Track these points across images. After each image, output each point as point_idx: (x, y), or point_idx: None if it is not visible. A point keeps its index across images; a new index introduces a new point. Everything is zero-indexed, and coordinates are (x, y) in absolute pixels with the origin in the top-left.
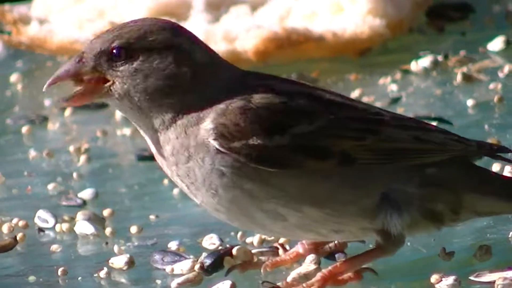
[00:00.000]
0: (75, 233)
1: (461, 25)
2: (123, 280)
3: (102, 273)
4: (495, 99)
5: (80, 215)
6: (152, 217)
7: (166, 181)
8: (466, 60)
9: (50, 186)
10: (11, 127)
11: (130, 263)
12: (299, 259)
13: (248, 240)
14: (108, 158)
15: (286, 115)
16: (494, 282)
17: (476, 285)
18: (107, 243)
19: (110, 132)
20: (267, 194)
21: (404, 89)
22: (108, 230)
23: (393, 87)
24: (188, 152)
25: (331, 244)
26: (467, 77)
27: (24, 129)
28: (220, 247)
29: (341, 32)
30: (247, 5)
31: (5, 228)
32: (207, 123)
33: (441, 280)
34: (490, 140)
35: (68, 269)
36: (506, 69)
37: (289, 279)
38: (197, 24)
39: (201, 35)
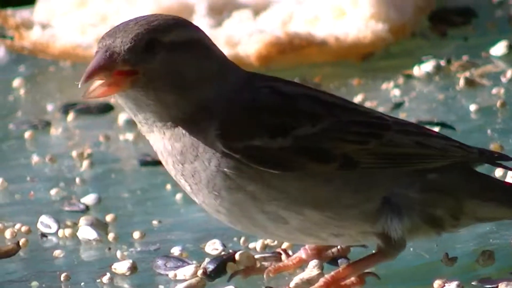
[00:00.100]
0: (78, 239)
1: (464, 30)
2: (126, 286)
3: (105, 279)
4: (498, 104)
5: (83, 221)
6: (155, 222)
7: (169, 186)
8: (469, 65)
9: (53, 191)
10: (13, 132)
11: (133, 268)
12: (302, 264)
13: (251, 245)
14: (111, 163)
15: (290, 117)
16: (497, 287)
17: None
18: (110, 248)
19: (113, 137)
20: (268, 196)
21: (407, 94)
22: (111, 236)
23: (396, 92)
24: (196, 151)
25: (333, 250)
26: (469, 82)
27: (27, 134)
28: (223, 253)
29: (343, 37)
30: (249, 9)
31: (8, 234)
32: (214, 123)
33: (444, 286)
34: (492, 145)
35: (71, 274)
36: (509, 74)
37: (292, 284)
38: None
39: None
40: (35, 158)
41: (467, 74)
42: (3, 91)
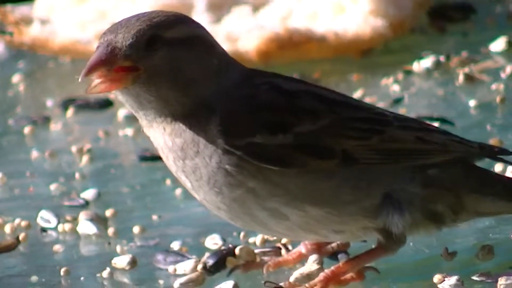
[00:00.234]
0: (78, 233)
1: (463, 26)
2: (125, 280)
3: (105, 273)
4: (497, 99)
5: (82, 216)
6: (154, 217)
7: (168, 181)
8: (468, 60)
9: (53, 187)
10: (13, 128)
11: (133, 263)
12: (301, 259)
13: (251, 240)
14: (110, 159)
15: (290, 113)
16: (496, 282)
17: (479, 285)
18: (109, 243)
19: (112, 133)
20: (269, 192)
21: (406, 90)
22: (110, 230)
23: (395, 88)
24: (197, 147)
25: (333, 244)
26: (469, 78)
27: (26, 130)
28: (222, 247)
29: (343, 33)
30: (249, 5)
31: (7, 229)
32: (215, 120)
33: (444, 280)
34: (492, 141)
35: (70, 269)
36: (508, 69)
37: (291, 279)
38: None
39: None
40: (34, 154)
41: (467, 70)
42: (2, 86)
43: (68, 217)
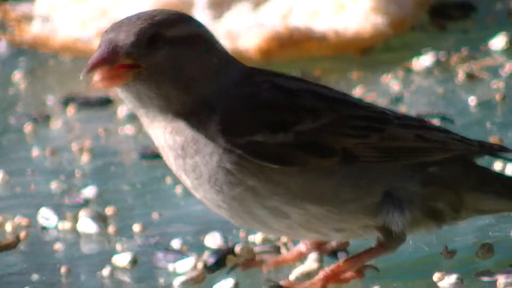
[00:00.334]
0: (78, 232)
1: (463, 24)
2: (126, 279)
3: (105, 272)
4: (497, 97)
5: (83, 214)
6: (154, 215)
7: (169, 179)
8: (468, 58)
9: (53, 185)
10: (14, 126)
11: (133, 261)
12: (301, 257)
13: (251, 238)
14: (111, 157)
15: (291, 112)
16: (496, 280)
17: (479, 283)
18: (109, 241)
19: (113, 131)
20: (270, 191)
21: (406, 88)
22: (111, 229)
23: (395, 86)
24: (197, 145)
25: (333, 243)
26: (469, 76)
27: (27, 128)
28: (222, 245)
29: (343, 31)
30: (249, 3)
31: (8, 227)
32: (216, 118)
33: (444, 278)
34: (492, 138)
35: (71, 267)
36: (508, 67)
37: (291, 277)
38: None
39: None
40: (35, 151)
41: (467, 67)
42: (3, 84)
43: (69, 215)
